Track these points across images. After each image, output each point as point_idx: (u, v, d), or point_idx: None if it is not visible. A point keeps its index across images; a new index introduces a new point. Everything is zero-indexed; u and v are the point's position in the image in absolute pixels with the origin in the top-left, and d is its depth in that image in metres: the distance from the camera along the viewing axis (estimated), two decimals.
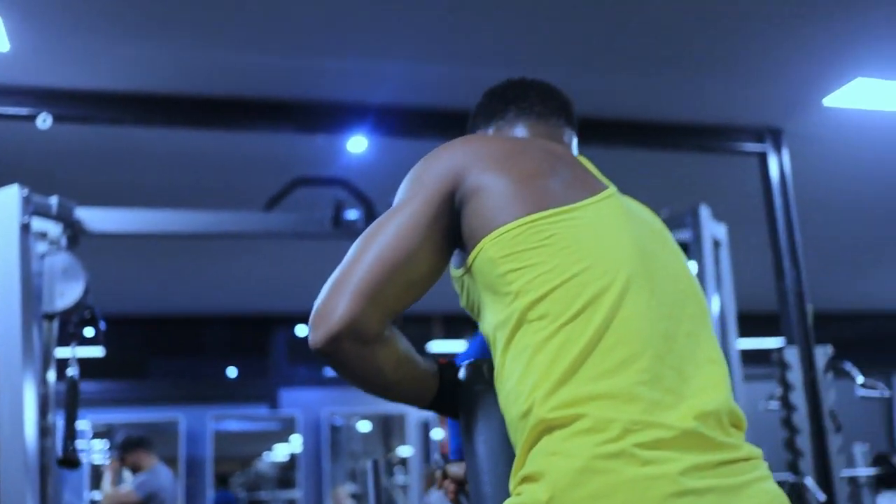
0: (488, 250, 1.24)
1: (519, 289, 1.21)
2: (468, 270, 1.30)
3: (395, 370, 1.28)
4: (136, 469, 5.37)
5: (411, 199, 1.30)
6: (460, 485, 1.51)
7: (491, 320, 1.27)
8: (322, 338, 1.21)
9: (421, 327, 10.29)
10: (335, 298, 1.21)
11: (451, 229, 1.30)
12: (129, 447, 5.44)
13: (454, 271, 1.35)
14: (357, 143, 5.27)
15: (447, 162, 1.33)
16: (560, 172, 1.32)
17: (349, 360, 1.24)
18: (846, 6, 4.04)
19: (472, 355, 1.41)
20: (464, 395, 1.35)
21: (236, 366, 10.67)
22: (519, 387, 1.18)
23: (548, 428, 1.13)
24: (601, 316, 1.17)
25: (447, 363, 1.42)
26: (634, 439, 1.09)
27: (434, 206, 1.28)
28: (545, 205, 1.25)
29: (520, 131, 1.57)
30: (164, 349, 10.25)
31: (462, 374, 1.39)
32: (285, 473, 10.45)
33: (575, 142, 1.62)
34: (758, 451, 1.22)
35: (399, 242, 1.25)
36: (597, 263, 1.21)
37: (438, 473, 1.57)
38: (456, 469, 1.51)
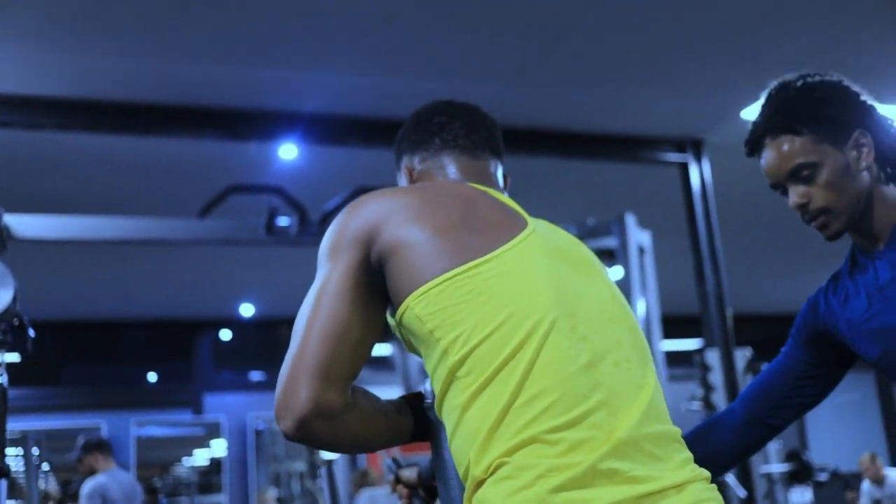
0: (413, 308, 1.27)
1: (446, 347, 1.24)
2: (399, 322, 1.33)
3: (368, 429, 1.33)
4: (90, 472, 5.31)
5: (332, 269, 1.31)
6: (413, 489, 1.58)
7: (428, 370, 1.31)
8: (291, 426, 1.24)
9: None
10: (293, 386, 1.24)
11: (378, 286, 1.32)
12: (87, 449, 5.38)
13: (390, 319, 1.37)
14: (288, 151, 5.29)
15: (360, 222, 1.32)
16: (475, 221, 1.32)
17: (323, 437, 1.28)
18: (763, 24, 4.23)
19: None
20: (428, 419, 1.41)
21: (160, 371, 10.54)
22: (458, 444, 1.24)
23: (479, 483, 1.19)
24: (523, 367, 1.20)
25: (414, 395, 1.46)
26: (548, 483, 1.13)
27: (354, 272, 1.30)
28: (463, 258, 1.26)
29: (445, 165, 1.55)
30: (84, 354, 10.07)
31: (421, 401, 1.44)
32: (207, 478, 10.36)
33: (500, 172, 1.60)
34: (696, 474, 1.24)
35: (333, 317, 1.27)
36: (516, 313, 1.23)
37: (391, 478, 1.62)
38: (409, 473, 1.57)
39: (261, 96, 4.67)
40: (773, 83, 1.75)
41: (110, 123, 4.61)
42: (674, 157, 5.56)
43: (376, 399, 1.36)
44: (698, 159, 5.57)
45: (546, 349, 1.22)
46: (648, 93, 4.90)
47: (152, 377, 10.57)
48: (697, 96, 5.01)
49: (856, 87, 1.71)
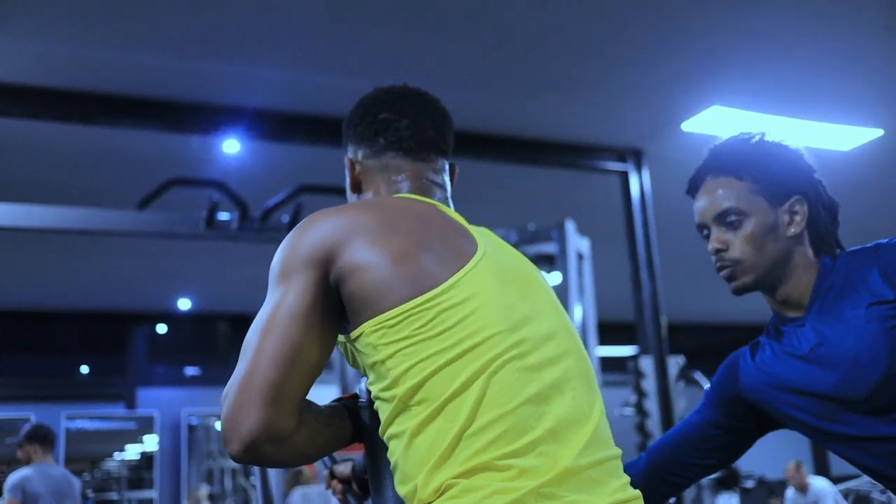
0: (369, 336, 1.27)
1: (397, 376, 1.25)
2: (350, 341, 1.33)
3: (314, 445, 1.33)
4: (27, 463, 5.25)
5: (287, 289, 1.29)
6: (347, 484, 1.59)
7: (374, 390, 1.31)
8: (239, 449, 1.23)
9: None
10: (242, 410, 1.22)
11: (333, 306, 1.31)
12: (27, 438, 5.32)
13: (339, 336, 1.37)
14: (231, 146, 5.26)
15: (316, 242, 1.30)
16: (431, 244, 1.31)
17: (271, 459, 1.27)
18: (704, 41, 4.31)
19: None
20: (362, 420, 1.43)
21: (93, 363, 10.37)
22: (405, 468, 1.25)
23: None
24: (474, 398, 1.22)
25: (350, 396, 1.46)
26: (491, 502, 1.17)
27: (310, 292, 1.28)
28: (419, 288, 1.25)
29: (388, 168, 1.52)
30: (14, 345, 9.85)
31: (356, 402, 1.45)
32: (138, 473, 10.22)
33: (445, 171, 1.57)
34: (629, 495, 1.28)
35: (287, 340, 1.26)
36: (470, 346, 1.24)
37: (326, 473, 1.63)
38: (342, 468, 1.59)
39: (205, 90, 4.64)
40: (735, 135, 1.77)
41: (50, 111, 4.53)
42: (614, 165, 5.63)
43: (320, 412, 1.36)
44: (638, 169, 5.65)
45: (497, 381, 1.24)
46: (592, 102, 4.96)
47: (84, 370, 10.40)
48: (639, 107, 5.09)
49: (810, 161, 1.72)
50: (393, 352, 1.25)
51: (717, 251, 1.69)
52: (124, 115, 4.65)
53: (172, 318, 10.23)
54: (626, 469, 1.49)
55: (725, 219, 1.67)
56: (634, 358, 5.39)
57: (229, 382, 1.26)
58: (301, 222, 1.36)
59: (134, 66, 4.33)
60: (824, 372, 1.62)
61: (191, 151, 5.33)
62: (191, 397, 10.16)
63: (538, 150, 5.42)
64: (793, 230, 1.66)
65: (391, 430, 1.28)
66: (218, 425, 10.45)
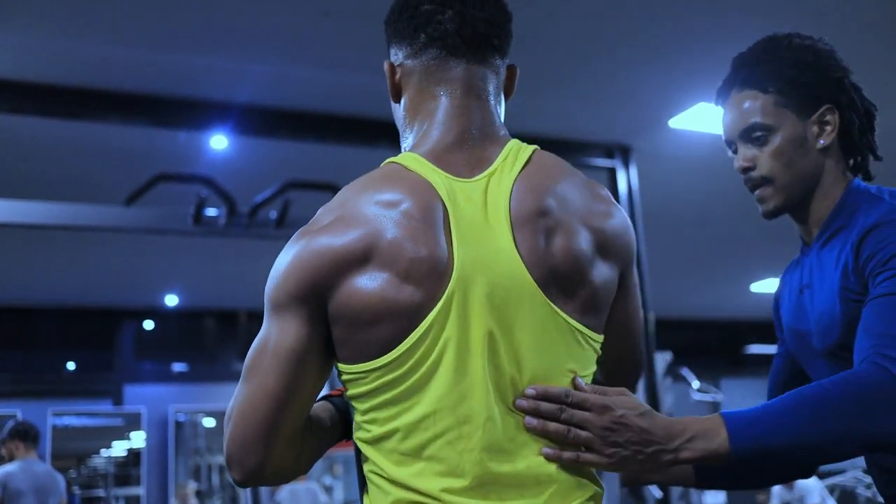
0: (343, 374, 1.26)
1: (360, 422, 1.25)
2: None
3: (312, 459, 1.33)
4: (10, 459, 5.24)
5: (283, 323, 1.23)
6: None
7: (354, 415, 1.29)
8: (243, 480, 1.25)
9: None
10: (248, 445, 1.22)
11: (328, 334, 1.25)
12: (10, 435, 5.31)
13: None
14: (219, 141, 5.26)
15: (305, 276, 1.22)
16: (414, 269, 1.19)
17: (274, 483, 1.30)
18: (691, 40, 4.33)
19: None
20: (350, 416, 1.42)
21: (79, 360, 10.33)
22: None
23: None
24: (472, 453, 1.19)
25: (338, 394, 1.43)
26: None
27: (305, 329, 1.23)
28: (389, 344, 1.19)
29: (429, 78, 1.35)
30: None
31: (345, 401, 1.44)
32: (125, 470, 10.20)
33: (499, 80, 1.41)
34: None
35: (287, 377, 1.22)
36: (437, 410, 1.19)
37: None
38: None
39: (192, 85, 4.63)
40: (763, 38, 1.67)
41: (35, 106, 4.51)
42: (602, 162, 5.65)
43: (315, 424, 1.35)
44: (626, 165, 5.67)
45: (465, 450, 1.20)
46: (579, 99, 4.97)
47: (71, 366, 10.36)
48: (627, 104, 5.11)
49: (842, 62, 1.63)
50: (374, 402, 1.23)
51: (744, 169, 1.61)
52: (111, 111, 4.63)
53: (159, 314, 10.20)
54: None
55: (751, 134, 1.59)
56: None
57: (232, 403, 1.26)
58: (296, 235, 1.27)
59: (121, 60, 4.32)
60: (804, 314, 1.61)
61: (178, 147, 5.32)
62: (178, 394, 10.14)
63: None
64: (822, 142, 1.57)
65: (363, 468, 1.28)
66: (205, 421, 10.45)
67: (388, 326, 1.19)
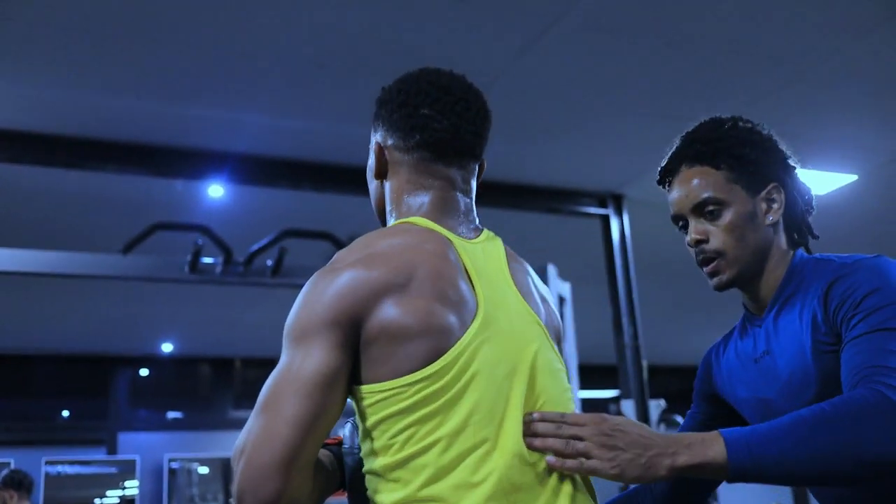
0: (363, 399, 1.28)
1: (415, 434, 1.25)
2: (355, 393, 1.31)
3: (320, 497, 1.34)
4: None
5: (308, 350, 1.26)
6: None
7: (366, 441, 1.31)
8: None
9: (265, 371, 10.24)
10: (263, 474, 1.20)
11: (351, 367, 1.28)
12: (4, 484, 5.29)
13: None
14: (215, 190, 5.31)
15: (339, 300, 1.27)
16: (446, 297, 1.29)
17: None
18: (684, 88, 4.40)
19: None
20: (346, 466, 1.43)
21: (74, 407, 10.29)
22: None
23: None
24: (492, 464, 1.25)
25: (335, 442, 1.45)
26: None
27: (333, 357, 1.25)
28: (434, 355, 1.26)
29: (416, 176, 1.46)
30: None
31: (341, 450, 1.44)
32: None
33: (475, 179, 1.53)
34: None
35: (308, 406, 1.23)
36: (455, 436, 1.24)
37: None
38: None
39: (189, 135, 4.69)
40: (708, 119, 1.70)
41: (34, 155, 4.56)
42: (595, 210, 5.70)
43: (321, 464, 1.36)
44: (619, 213, 5.72)
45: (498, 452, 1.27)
46: (572, 148, 5.04)
47: (65, 414, 10.31)
48: (619, 153, 5.17)
49: (783, 145, 1.67)
50: (399, 425, 1.26)
51: (698, 242, 1.62)
52: (108, 160, 4.68)
53: (155, 361, 10.19)
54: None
55: (704, 209, 1.60)
56: (616, 400, 5.41)
57: (244, 437, 1.24)
58: (318, 274, 1.32)
59: (118, 111, 4.38)
60: (767, 381, 1.62)
61: (175, 196, 5.37)
62: (173, 441, 10.08)
63: (519, 194, 5.48)
64: (771, 218, 1.61)
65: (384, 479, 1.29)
66: (200, 469, 10.37)
67: (430, 340, 1.26)
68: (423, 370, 1.25)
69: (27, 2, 3.42)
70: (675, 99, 4.50)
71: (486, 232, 1.50)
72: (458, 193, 1.48)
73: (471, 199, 1.52)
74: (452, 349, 1.27)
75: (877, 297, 1.42)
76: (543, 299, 1.49)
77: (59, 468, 9.77)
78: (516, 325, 1.36)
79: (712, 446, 1.26)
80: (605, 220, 5.72)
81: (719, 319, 10.09)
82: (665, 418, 5.32)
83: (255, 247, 4.96)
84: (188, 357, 10.20)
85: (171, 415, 10.53)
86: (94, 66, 3.95)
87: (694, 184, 1.62)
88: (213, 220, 5.14)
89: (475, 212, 1.52)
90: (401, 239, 1.35)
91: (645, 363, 5.46)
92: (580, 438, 1.27)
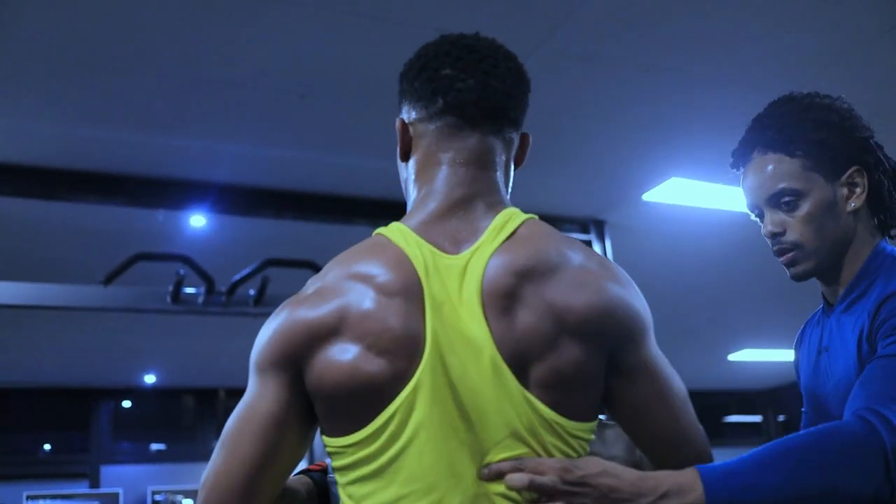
0: (334, 459, 1.25)
1: (354, 494, 1.23)
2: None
3: None
4: None
5: (264, 387, 1.23)
6: None
7: (338, 488, 1.28)
8: None
9: None
10: None
11: (307, 403, 1.24)
12: None
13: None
14: (197, 220, 5.29)
15: (282, 345, 1.22)
16: (387, 337, 1.18)
17: None
18: (663, 117, 4.43)
19: None
20: (330, 493, 1.42)
21: (55, 441, 10.19)
22: None
23: None
24: None
25: (318, 469, 1.45)
26: None
27: (283, 395, 1.22)
28: (361, 421, 1.19)
29: (439, 149, 1.33)
30: None
31: (324, 477, 1.45)
32: None
33: (511, 151, 1.39)
34: None
35: (263, 443, 1.21)
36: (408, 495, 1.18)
37: None
38: None
39: (170, 165, 4.67)
40: (780, 97, 1.61)
41: (13, 187, 4.53)
42: (578, 235, 5.71)
43: (290, 494, 1.35)
44: (601, 239, 5.74)
45: None
46: (556, 174, 5.05)
47: (47, 447, 10.21)
48: (601, 180, 5.19)
49: (864, 121, 1.58)
50: (346, 475, 1.23)
51: (774, 234, 1.55)
52: (89, 191, 4.65)
53: (137, 392, 10.11)
54: None
55: (780, 199, 1.53)
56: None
57: (207, 470, 1.24)
58: (282, 305, 1.28)
59: (98, 141, 4.35)
60: (824, 377, 1.56)
61: (157, 226, 5.34)
62: (156, 474, 9.98)
63: None
64: (853, 204, 1.52)
65: None
66: (184, 502, 10.28)
67: (360, 402, 1.18)
68: (354, 434, 1.20)
69: (1, 34, 3.41)
70: (656, 126, 4.52)
71: (500, 218, 1.30)
72: (476, 172, 1.32)
73: (495, 177, 1.35)
74: (385, 411, 1.17)
75: None
76: (556, 303, 1.23)
77: (41, 503, 9.66)
78: (469, 369, 1.19)
79: (690, 492, 1.17)
80: (588, 245, 5.72)
81: (704, 344, 10.13)
82: None
83: (238, 276, 4.94)
84: (171, 388, 10.12)
85: (155, 447, 10.44)
86: (73, 96, 3.93)
87: (768, 172, 1.54)
88: (194, 250, 5.12)
89: (501, 191, 1.36)
90: (357, 267, 1.24)
91: None
92: (544, 493, 1.16)
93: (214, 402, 10.27)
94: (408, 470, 1.17)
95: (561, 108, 4.31)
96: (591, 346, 1.23)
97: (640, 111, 4.38)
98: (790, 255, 1.54)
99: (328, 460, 1.43)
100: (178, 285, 4.83)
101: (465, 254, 1.26)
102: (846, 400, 1.43)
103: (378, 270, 1.22)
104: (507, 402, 1.19)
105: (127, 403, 10.31)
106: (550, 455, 1.21)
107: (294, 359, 1.22)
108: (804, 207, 1.51)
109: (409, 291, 1.20)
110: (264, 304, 4.96)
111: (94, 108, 4.05)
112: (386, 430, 1.18)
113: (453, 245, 1.27)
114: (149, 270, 4.94)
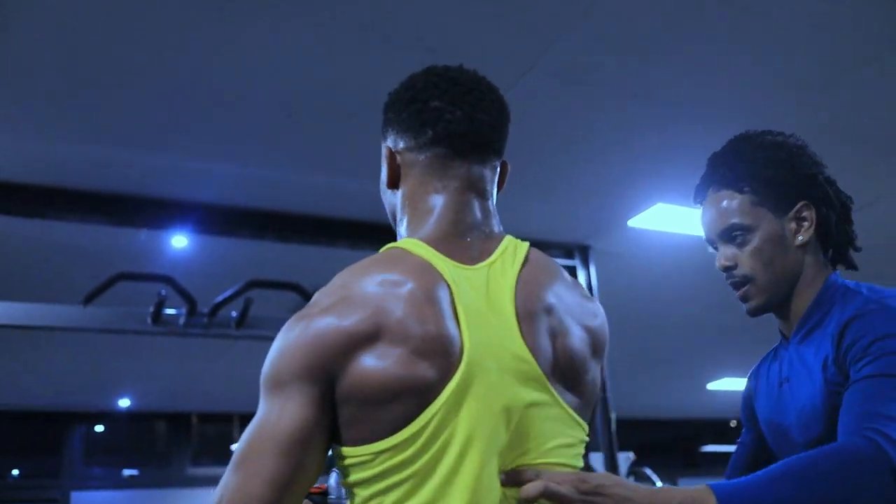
0: (344, 459, 1.21)
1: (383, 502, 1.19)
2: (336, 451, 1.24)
3: None
4: None
5: (284, 404, 1.18)
6: None
7: (348, 497, 1.25)
8: None
9: (222, 426, 10.09)
10: None
11: (330, 421, 1.20)
12: None
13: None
14: (180, 240, 5.24)
15: (313, 351, 1.19)
16: (424, 346, 1.18)
17: None
18: (648, 145, 4.44)
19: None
20: None
21: (24, 466, 10.03)
22: None
23: None
24: None
25: (319, 492, 1.41)
26: None
27: (309, 411, 1.18)
28: (396, 424, 1.17)
29: (431, 178, 1.36)
30: None
31: (325, 500, 1.41)
32: None
33: (495, 178, 1.43)
34: None
35: (283, 464, 1.16)
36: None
37: None
38: None
39: (153, 184, 4.62)
40: (736, 136, 1.68)
41: (2, 205, 4.47)
42: (563, 261, 5.70)
43: None
44: (586, 264, 5.73)
45: None
46: (541, 200, 5.05)
47: (15, 472, 10.04)
48: (586, 204, 5.20)
49: (815, 158, 1.63)
50: (365, 488, 1.20)
51: (725, 268, 1.60)
52: (70, 209, 4.59)
53: (110, 416, 9.97)
54: None
55: (730, 234, 1.59)
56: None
57: (220, 493, 1.18)
58: (294, 319, 1.24)
59: (81, 159, 4.31)
60: (785, 408, 1.59)
61: (138, 246, 5.29)
62: (129, 500, 9.84)
63: None
64: (801, 238, 1.57)
65: None
66: None
67: (402, 405, 1.16)
68: (390, 438, 1.17)
69: None
70: (643, 152, 4.53)
71: (504, 243, 1.36)
72: (473, 196, 1.37)
73: (489, 204, 1.40)
74: (427, 411, 1.16)
75: (889, 341, 1.39)
76: (581, 325, 1.33)
77: None
78: (508, 375, 1.21)
79: None
80: (573, 271, 5.72)
81: (684, 372, 10.13)
82: (634, 471, 5.29)
83: (220, 297, 4.88)
84: (145, 412, 10.00)
85: (127, 472, 10.29)
86: (54, 114, 3.89)
87: (720, 209, 1.61)
88: (177, 270, 5.07)
89: (496, 218, 1.41)
90: (380, 276, 1.23)
91: (613, 416, 5.43)
92: (558, 498, 1.18)
93: (189, 427, 10.15)
94: (443, 474, 1.17)
95: (547, 133, 4.31)
96: (599, 362, 1.37)
97: (627, 137, 4.39)
98: (743, 289, 1.60)
99: (330, 481, 1.40)
100: (160, 306, 4.76)
101: (482, 266, 1.30)
102: (809, 426, 1.49)
103: (406, 277, 1.23)
104: (549, 416, 1.25)
105: (100, 428, 10.17)
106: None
107: (327, 368, 1.18)
108: (753, 242, 1.57)
109: (440, 297, 1.22)
110: (247, 326, 4.90)
111: (76, 127, 4.01)
112: (423, 435, 1.17)
113: (468, 259, 1.31)
114: (130, 291, 4.88)
